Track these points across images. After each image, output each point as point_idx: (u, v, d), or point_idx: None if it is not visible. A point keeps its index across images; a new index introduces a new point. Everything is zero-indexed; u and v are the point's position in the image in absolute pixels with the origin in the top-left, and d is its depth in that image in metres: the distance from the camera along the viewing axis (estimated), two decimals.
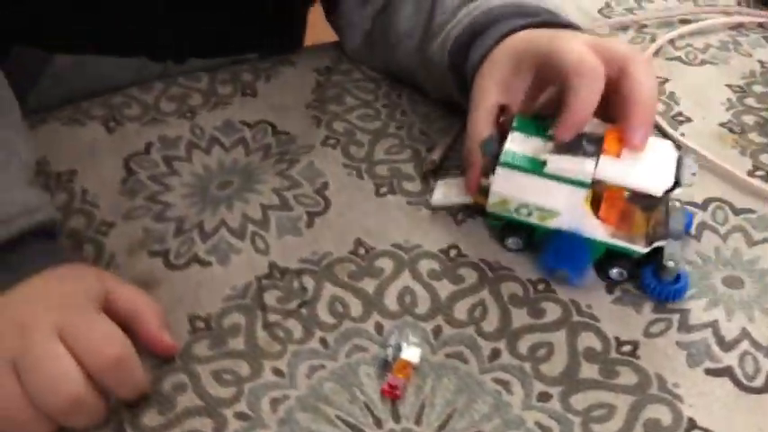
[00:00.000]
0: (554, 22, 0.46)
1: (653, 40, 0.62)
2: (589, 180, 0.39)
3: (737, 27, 0.64)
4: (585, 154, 0.39)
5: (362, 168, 0.50)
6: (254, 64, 0.59)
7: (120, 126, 0.52)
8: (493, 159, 0.41)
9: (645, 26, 0.65)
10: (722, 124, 0.53)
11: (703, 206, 0.47)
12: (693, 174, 0.39)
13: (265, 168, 0.49)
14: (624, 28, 0.64)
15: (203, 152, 0.51)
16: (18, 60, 0.54)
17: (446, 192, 0.46)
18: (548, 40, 0.42)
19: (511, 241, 0.43)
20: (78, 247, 0.44)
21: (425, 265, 0.43)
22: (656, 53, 0.60)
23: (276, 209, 0.46)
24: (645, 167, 0.39)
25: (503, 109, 0.42)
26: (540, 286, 0.42)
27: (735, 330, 0.39)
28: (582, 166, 0.39)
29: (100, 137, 0.51)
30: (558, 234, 0.42)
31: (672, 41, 0.62)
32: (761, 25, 0.65)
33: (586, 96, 0.38)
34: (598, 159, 0.39)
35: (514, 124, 0.42)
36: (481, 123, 0.44)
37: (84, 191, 0.47)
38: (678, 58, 0.60)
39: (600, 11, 0.67)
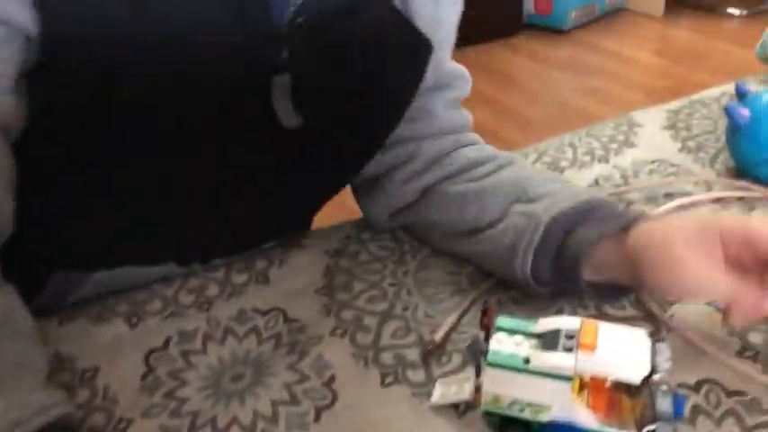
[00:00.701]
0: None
1: None
2: (570, 374, 0.42)
3: (719, 201, 0.69)
4: (564, 348, 0.42)
5: (369, 357, 0.53)
6: (267, 250, 0.65)
7: (141, 321, 0.56)
8: (481, 360, 0.44)
9: (632, 202, 0.70)
10: (709, 303, 0.56)
11: (696, 388, 0.49)
12: (668, 359, 0.42)
13: (276, 360, 0.53)
14: None
15: (218, 343, 0.54)
16: (57, 279, 0.59)
17: (445, 391, 0.49)
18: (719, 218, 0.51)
19: None
20: None
21: None
22: None
23: (285, 404, 0.49)
24: (621, 357, 0.42)
25: (486, 311, 0.46)
26: None
27: None
28: (562, 362, 0.42)
29: (123, 333, 0.55)
30: (553, 427, 0.44)
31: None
32: (740, 199, 0.70)
33: None
34: (577, 353, 0.42)
35: (497, 324, 0.45)
36: (724, 278, 0.46)
37: (106, 387, 0.51)
38: None
39: (589, 187, 0.72)
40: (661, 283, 0.48)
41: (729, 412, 0.47)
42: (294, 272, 0.62)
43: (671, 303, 0.56)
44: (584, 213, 0.53)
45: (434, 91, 0.62)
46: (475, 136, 0.65)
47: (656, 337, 0.53)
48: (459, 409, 0.48)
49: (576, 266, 0.52)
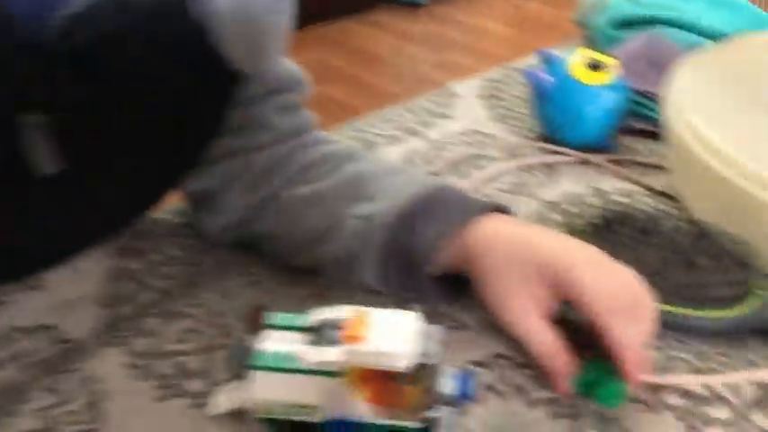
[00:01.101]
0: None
1: None
2: (337, 369, 0.39)
3: (525, 168, 0.69)
4: (331, 342, 0.40)
5: (147, 367, 0.48)
6: None
7: None
8: (246, 365, 0.41)
9: (437, 173, 0.68)
10: None
11: (488, 365, 0.48)
12: (440, 342, 0.40)
13: (32, 381, 0.47)
14: None
15: None
16: None
17: (224, 399, 0.45)
18: (548, 253, 0.46)
19: None
20: None
21: None
22: None
23: None
24: (388, 344, 0.39)
25: (254, 309, 0.42)
26: None
27: None
28: (328, 356, 0.39)
29: None
30: (333, 425, 0.41)
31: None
32: (546, 165, 0.70)
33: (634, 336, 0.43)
34: (342, 345, 0.39)
35: (267, 321, 0.42)
36: (540, 330, 0.45)
37: None
38: None
39: (401, 163, 0.70)
40: (485, 302, 0.47)
41: (517, 387, 0.46)
42: (72, 276, 0.56)
43: None
44: (425, 210, 0.50)
45: (263, 99, 0.55)
46: (317, 135, 0.59)
47: (444, 317, 0.52)
48: (240, 417, 0.45)
49: (420, 269, 0.49)
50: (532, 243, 0.47)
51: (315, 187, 0.54)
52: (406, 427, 0.41)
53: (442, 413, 0.42)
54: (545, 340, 0.45)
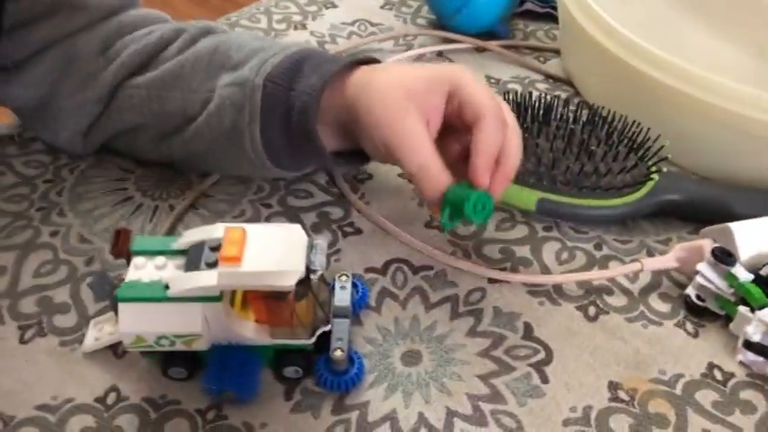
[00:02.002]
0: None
1: None
2: (216, 293, 0.36)
3: (419, 58, 0.66)
4: (207, 265, 0.36)
5: (2, 308, 0.43)
6: None
7: None
8: (112, 296, 0.37)
9: None
10: (401, 175, 0.53)
11: (383, 271, 0.46)
12: (324, 254, 0.38)
13: None
14: None
15: None
16: None
17: (97, 334, 0.41)
18: (436, 68, 0.43)
19: (173, 371, 0.39)
20: None
21: (76, 425, 0.38)
22: None
23: None
24: (269, 262, 0.36)
25: (118, 233, 0.38)
26: (210, 415, 0.38)
27: (413, 417, 0.38)
28: (204, 281, 0.36)
29: None
30: (216, 351, 0.38)
31: None
32: (440, 54, 0.67)
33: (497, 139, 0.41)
34: (218, 268, 0.36)
35: (134, 247, 0.38)
36: (424, 142, 0.41)
37: None
38: None
39: None
40: (371, 131, 0.43)
41: (416, 290, 0.45)
42: None
43: (362, 182, 0.53)
44: (299, 63, 0.46)
45: None
46: (149, 12, 0.54)
47: (339, 222, 0.49)
48: (117, 352, 0.41)
49: (307, 121, 0.44)
50: (414, 68, 0.44)
51: (172, 65, 0.49)
52: (298, 345, 0.39)
53: (333, 326, 0.40)
54: (427, 153, 0.41)
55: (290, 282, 0.36)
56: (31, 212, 0.49)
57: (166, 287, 0.36)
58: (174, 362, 0.39)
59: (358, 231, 0.49)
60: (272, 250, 0.37)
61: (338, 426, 0.38)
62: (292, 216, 0.49)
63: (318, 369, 0.40)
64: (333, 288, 0.42)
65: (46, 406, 0.38)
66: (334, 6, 0.73)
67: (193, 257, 0.37)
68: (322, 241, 0.38)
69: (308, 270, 0.37)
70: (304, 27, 0.69)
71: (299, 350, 0.39)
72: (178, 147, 0.50)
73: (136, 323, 0.37)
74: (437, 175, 0.41)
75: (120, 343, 0.41)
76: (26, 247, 0.47)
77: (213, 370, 0.38)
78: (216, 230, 0.38)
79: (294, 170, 0.50)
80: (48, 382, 0.40)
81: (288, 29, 0.69)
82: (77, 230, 0.48)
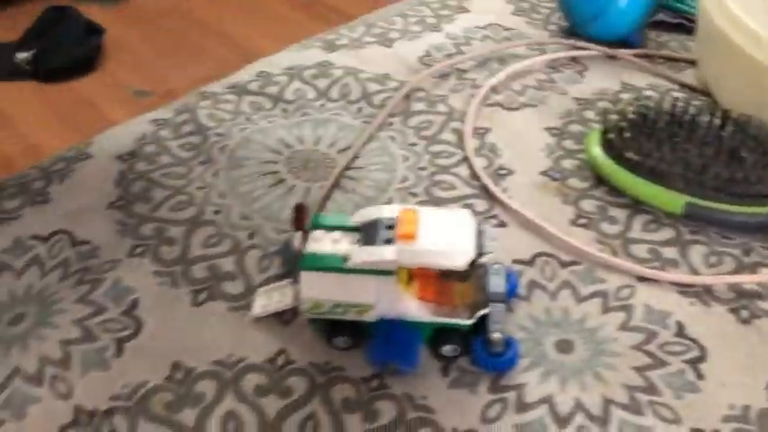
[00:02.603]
0: None
1: (473, 85, 0.64)
2: (392, 268, 0.39)
3: (553, 64, 0.67)
4: (383, 241, 0.39)
5: (177, 273, 0.47)
6: (43, 167, 0.55)
7: None
8: (295, 263, 0.40)
9: (465, 71, 0.66)
10: (543, 173, 0.55)
11: (531, 263, 0.48)
12: (493, 239, 0.40)
13: (64, 293, 0.45)
14: (444, 75, 0.65)
15: None
16: None
17: (265, 302, 0.44)
18: None
19: (338, 341, 0.42)
20: None
21: (251, 381, 0.41)
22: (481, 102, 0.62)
23: (78, 342, 0.43)
24: (443, 242, 0.39)
25: (298, 209, 0.41)
26: (374, 383, 0.41)
27: (569, 403, 0.40)
28: (382, 255, 0.38)
29: None
30: (382, 324, 0.41)
31: (493, 86, 0.63)
32: (573, 60, 0.68)
33: None
34: (395, 245, 0.38)
35: (313, 221, 0.41)
36: None
37: None
38: (499, 104, 0.62)
39: (420, 59, 0.68)
40: None
41: (565, 284, 0.46)
42: (80, 185, 0.54)
43: (503, 177, 0.54)
44: None
45: None
46: None
47: (484, 215, 0.51)
48: (283, 319, 0.44)
49: None
50: None
51: None
52: (458, 324, 0.41)
53: (492, 310, 0.42)
54: None
55: (462, 262, 0.38)
56: (190, 190, 0.53)
57: (344, 259, 0.39)
58: (340, 331, 0.42)
59: (502, 224, 0.50)
60: (445, 231, 0.39)
61: (496, 403, 0.40)
62: (439, 206, 0.52)
63: (476, 350, 0.41)
64: (489, 274, 0.44)
65: (222, 362, 0.42)
66: (466, 11, 0.75)
67: (369, 234, 0.40)
68: (490, 227, 0.40)
69: (478, 253, 0.39)
70: (438, 30, 0.72)
71: (457, 330, 0.41)
72: None
73: (316, 290, 0.40)
74: None
75: (286, 311, 0.44)
76: (193, 222, 0.51)
77: (379, 342, 0.41)
78: (388, 210, 0.40)
79: None
80: (222, 342, 0.43)
81: (423, 30, 0.72)
82: (238, 210, 0.52)
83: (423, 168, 0.55)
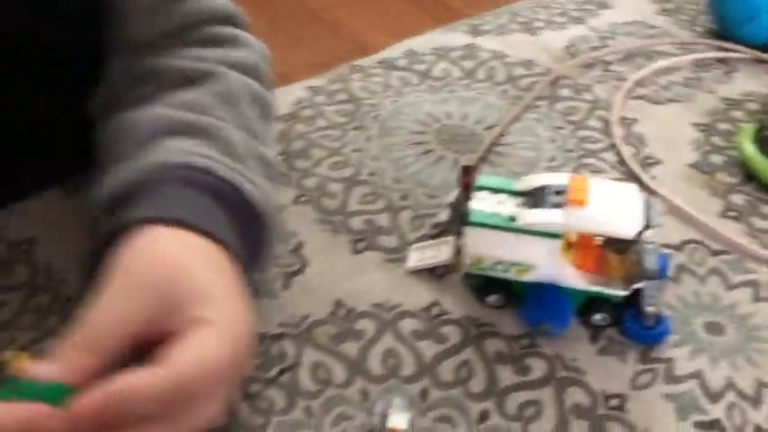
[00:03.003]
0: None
1: (618, 77, 0.65)
2: (559, 231, 0.40)
3: (699, 63, 0.67)
4: (553, 205, 0.40)
5: (338, 222, 0.50)
6: None
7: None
8: (461, 219, 0.42)
9: (610, 63, 0.67)
10: (691, 165, 0.55)
11: (680, 248, 0.49)
12: (661, 214, 0.41)
13: None
14: (589, 66, 0.67)
15: None
16: None
17: (420, 257, 0.47)
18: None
19: (491, 299, 0.44)
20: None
21: (408, 326, 0.44)
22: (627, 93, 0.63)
23: None
24: (613, 212, 0.40)
25: (466, 169, 0.43)
26: (524, 341, 0.43)
27: (720, 380, 0.41)
28: (551, 218, 0.40)
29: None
30: (537, 287, 0.43)
31: (638, 80, 0.64)
32: (720, 61, 0.68)
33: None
34: (566, 210, 0.40)
35: (478, 183, 0.43)
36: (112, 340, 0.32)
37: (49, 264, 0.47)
38: (645, 97, 0.63)
39: (565, 49, 0.69)
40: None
41: (714, 271, 0.47)
42: None
43: (651, 165, 0.55)
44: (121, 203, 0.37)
45: None
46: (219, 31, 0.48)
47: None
48: (436, 274, 0.47)
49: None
50: (176, 261, 0.34)
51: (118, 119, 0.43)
52: (612, 295, 0.42)
53: (647, 284, 0.43)
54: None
55: (631, 231, 0.40)
56: (346, 151, 0.57)
57: (510, 219, 0.41)
58: (493, 290, 0.44)
59: None
60: (613, 201, 0.41)
61: (646, 373, 0.41)
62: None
63: (626, 321, 0.43)
64: (644, 252, 0.45)
65: (380, 305, 0.45)
66: (609, 7, 0.76)
67: (537, 198, 0.42)
68: (657, 201, 0.41)
69: (646, 225, 0.40)
70: (583, 22, 0.73)
71: (609, 300, 0.43)
72: None
73: (481, 246, 0.42)
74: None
75: (438, 267, 0.47)
76: (350, 181, 0.54)
77: (533, 303, 0.43)
78: (558, 177, 0.42)
79: None
80: (379, 288, 0.46)
81: (568, 23, 0.73)
82: (391, 174, 0.55)
83: (570, 150, 0.57)
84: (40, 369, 0.30)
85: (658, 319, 0.43)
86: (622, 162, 0.56)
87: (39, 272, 0.46)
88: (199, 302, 0.33)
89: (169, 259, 0.34)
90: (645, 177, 0.54)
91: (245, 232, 0.38)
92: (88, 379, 0.30)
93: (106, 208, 0.38)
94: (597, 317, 0.43)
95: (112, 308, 0.32)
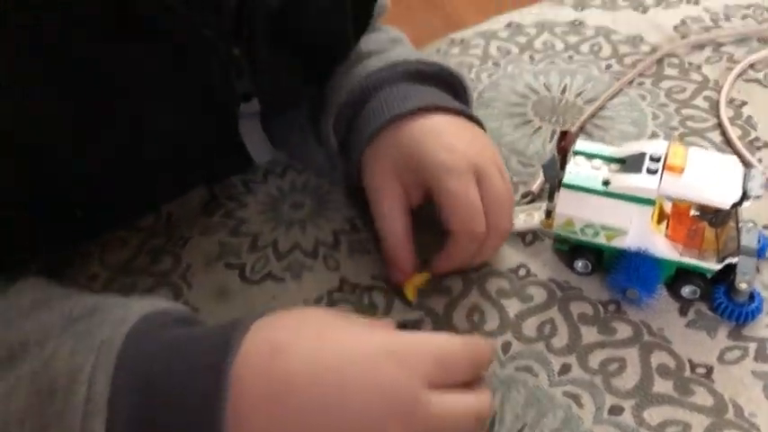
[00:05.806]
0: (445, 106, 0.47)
1: (730, 59, 0.64)
2: (653, 197, 0.41)
3: None
4: (649, 171, 0.41)
5: None
6: None
7: None
8: (556, 182, 0.44)
9: (722, 44, 0.66)
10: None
11: None
12: (761, 186, 0.41)
13: (334, 195, 0.53)
14: (701, 46, 0.66)
15: (278, 176, 0.55)
16: None
17: (521, 219, 0.49)
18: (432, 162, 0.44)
19: (579, 264, 0.46)
20: (156, 260, 0.49)
21: (494, 284, 0.46)
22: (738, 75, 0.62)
23: (346, 233, 0.50)
24: (710, 181, 0.41)
25: (564, 134, 0.45)
26: (611, 307, 0.44)
27: None
28: (645, 183, 0.41)
29: None
30: (626, 254, 0.44)
31: (752, 63, 0.63)
32: None
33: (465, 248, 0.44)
34: (662, 176, 0.41)
35: (576, 148, 0.44)
36: (395, 216, 0.45)
37: (170, 214, 0.52)
38: (757, 81, 0.62)
39: (675, 28, 0.69)
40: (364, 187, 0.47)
41: None
42: None
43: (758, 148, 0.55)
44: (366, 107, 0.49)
45: None
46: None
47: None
48: (526, 239, 0.49)
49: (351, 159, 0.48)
50: (415, 139, 0.45)
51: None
52: (703, 268, 0.43)
53: (741, 260, 0.43)
54: (395, 227, 0.45)
55: (728, 201, 0.40)
56: None
57: (605, 183, 0.43)
58: (581, 256, 0.45)
59: None
60: (711, 171, 0.41)
61: (735, 349, 0.42)
62: None
63: (718, 296, 0.43)
64: (741, 229, 0.45)
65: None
66: None
67: (634, 164, 0.43)
68: (758, 173, 0.42)
69: (744, 196, 0.40)
70: (696, 2, 0.72)
71: (699, 273, 0.43)
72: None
73: (572, 207, 0.44)
74: (403, 263, 0.45)
75: (527, 233, 0.49)
76: None
77: (622, 269, 0.44)
78: (658, 145, 0.43)
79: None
80: None
81: (680, 2, 0.73)
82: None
83: (674, 128, 0.57)
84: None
85: (751, 295, 0.43)
86: (728, 143, 0.55)
87: (160, 218, 0.52)
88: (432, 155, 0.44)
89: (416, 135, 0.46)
90: (752, 159, 0.53)
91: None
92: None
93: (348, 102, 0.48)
94: (686, 289, 0.44)
95: (387, 212, 0.45)
